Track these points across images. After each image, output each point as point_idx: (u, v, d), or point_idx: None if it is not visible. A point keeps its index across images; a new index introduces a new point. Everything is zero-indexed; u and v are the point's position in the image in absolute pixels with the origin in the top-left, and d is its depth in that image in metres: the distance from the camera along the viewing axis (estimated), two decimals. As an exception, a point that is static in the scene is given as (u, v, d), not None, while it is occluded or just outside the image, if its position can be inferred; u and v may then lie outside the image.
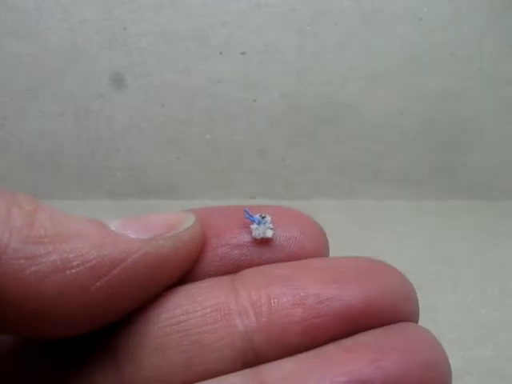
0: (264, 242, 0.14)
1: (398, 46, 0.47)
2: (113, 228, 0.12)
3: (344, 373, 0.11)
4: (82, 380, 0.13)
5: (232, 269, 0.14)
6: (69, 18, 0.45)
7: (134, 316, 0.13)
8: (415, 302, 0.13)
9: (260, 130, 0.48)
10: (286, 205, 0.15)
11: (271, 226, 0.14)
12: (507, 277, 0.38)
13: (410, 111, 0.49)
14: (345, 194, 0.50)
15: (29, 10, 0.45)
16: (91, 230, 0.12)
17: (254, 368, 0.12)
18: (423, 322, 0.13)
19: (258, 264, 0.14)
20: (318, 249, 0.14)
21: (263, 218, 0.14)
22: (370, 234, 0.44)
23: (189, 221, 0.13)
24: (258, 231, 0.14)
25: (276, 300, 0.13)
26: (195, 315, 0.13)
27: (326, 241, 0.15)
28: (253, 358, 0.12)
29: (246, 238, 0.14)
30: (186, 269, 0.14)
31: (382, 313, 0.12)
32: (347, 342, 0.12)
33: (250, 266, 0.14)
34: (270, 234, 0.14)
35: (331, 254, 0.15)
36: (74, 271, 0.11)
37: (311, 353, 0.12)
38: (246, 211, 0.14)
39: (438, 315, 0.33)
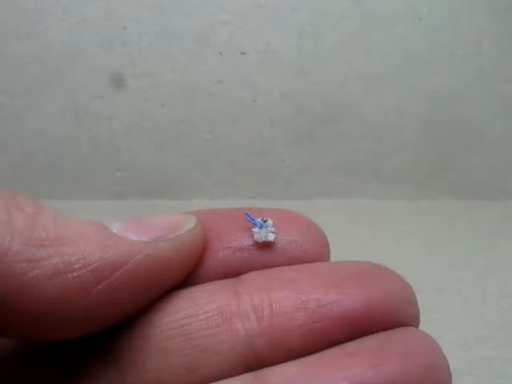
0: (265, 245, 0.14)
1: (398, 46, 0.47)
2: (114, 230, 0.12)
3: (346, 377, 0.11)
4: (84, 382, 0.13)
5: (233, 272, 0.14)
6: (69, 18, 0.45)
7: (136, 319, 0.13)
8: (416, 306, 0.13)
9: (260, 130, 0.48)
10: (286, 205, 0.15)
11: (273, 229, 0.14)
12: (507, 277, 0.38)
13: (410, 111, 0.49)
14: (345, 193, 0.50)
15: (29, 9, 0.45)
16: (93, 232, 0.12)
17: (255, 372, 0.12)
18: (423, 322, 0.13)
19: (260, 267, 0.14)
20: (320, 252, 0.14)
21: (265, 221, 0.14)
22: (370, 233, 0.44)
23: (190, 223, 0.13)
24: (260, 235, 0.14)
25: (278, 304, 0.13)
26: (197, 319, 0.13)
27: (327, 244, 0.15)
28: (254, 361, 0.12)
29: (248, 242, 0.14)
30: (187, 271, 0.14)
31: (383, 317, 0.12)
32: (349, 346, 0.12)
33: (251, 269, 0.14)
34: (271, 237, 0.14)
35: (332, 254, 0.15)
36: (75, 274, 0.11)
37: (313, 357, 0.12)
38: (247, 214, 0.14)
39: (438, 315, 0.33)
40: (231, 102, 0.48)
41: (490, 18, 0.47)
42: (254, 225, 0.14)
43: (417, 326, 0.13)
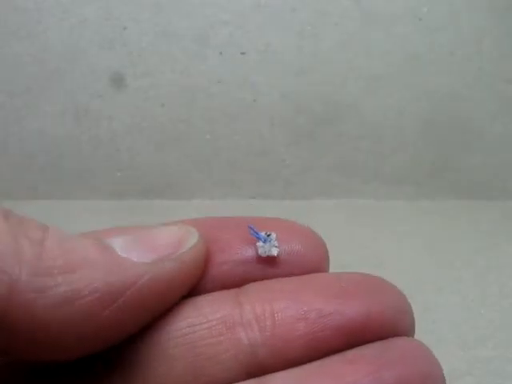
0: (269, 259, 0.14)
1: (398, 46, 0.47)
2: (117, 249, 0.12)
3: (345, 383, 0.12)
4: None
5: (237, 283, 0.14)
6: (69, 18, 0.45)
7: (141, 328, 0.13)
8: (412, 317, 0.14)
9: (260, 130, 0.48)
10: (285, 205, 0.15)
11: (276, 243, 0.14)
12: (507, 277, 0.38)
13: (410, 111, 0.49)
14: (345, 193, 0.50)
15: (29, 9, 0.45)
16: (97, 255, 0.12)
17: (258, 378, 0.13)
18: (423, 322, 0.13)
19: (262, 278, 0.14)
20: (320, 262, 0.15)
21: (268, 235, 0.14)
22: (370, 234, 0.44)
23: (192, 239, 0.14)
24: (264, 249, 0.14)
25: (279, 314, 0.13)
26: (201, 327, 0.13)
27: (327, 252, 0.15)
28: (257, 370, 0.13)
29: (251, 254, 0.14)
30: (189, 287, 0.14)
31: (382, 327, 0.13)
32: (349, 354, 0.13)
33: (253, 280, 0.14)
34: (275, 252, 0.14)
35: (332, 254, 0.15)
36: (83, 302, 0.11)
37: (314, 364, 0.13)
38: (251, 228, 0.14)
39: (438, 315, 0.33)
40: (231, 102, 0.48)
41: (489, 17, 0.47)
42: (258, 239, 0.14)
43: (412, 335, 0.14)
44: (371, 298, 0.13)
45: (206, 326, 0.13)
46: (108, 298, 0.12)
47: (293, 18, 0.46)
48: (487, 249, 0.42)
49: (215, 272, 0.14)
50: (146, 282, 0.12)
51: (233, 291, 0.14)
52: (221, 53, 0.46)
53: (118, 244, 0.13)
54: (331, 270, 0.15)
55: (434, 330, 0.31)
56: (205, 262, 0.14)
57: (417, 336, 0.14)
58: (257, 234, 0.14)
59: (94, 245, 0.12)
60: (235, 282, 0.14)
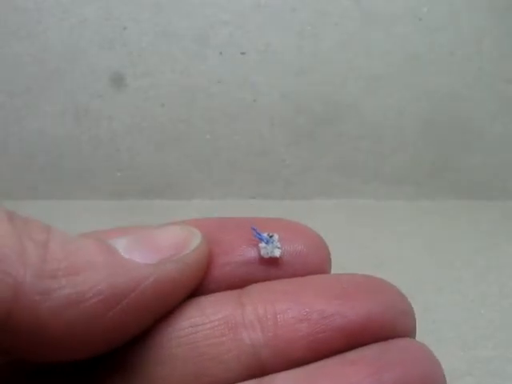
0: (271, 260, 0.14)
1: (398, 46, 0.47)
2: (120, 250, 0.12)
3: None
4: None
5: (239, 284, 0.14)
6: (69, 18, 0.45)
7: None
8: (413, 318, 0.14)
9: (260, 130, 0.48)
10: (286, 205, 0.15)
11: (279, 245, 0.14)
12: (507, 277, 0.38)
13: (410, 111, 0.49)
14: (345, 193, 0.50)
15: (29, 9, 0.45)
16: (101, 257, 0.12)
17: (260, 379, 0.13)
18: (423, 322, 0.13)
19: (265, 279, 0.14)
20: (322, 263, 0.15)
21: (271, 236, 0.14)
22: (370, 233, 0.44)
23: (195, 240, 0.14)
24: (266, 250, 0.14)
25: (282, 315, 0.13)
26: (204, 328, 0.13)
27: (329, 254, 0.15)
28: (259, 370, 0.13)
29: (253, 255, 0.14)
30: (192, 289, 0.14)
31: (383, 328, 0.13)
32: (350, 355, 0.13)
33: (256, 281, 0.14)
34: (277, 253, 0.14)
35: (332, 254, 0.15)
36: (87, 304, 0.11)
37: (316, 365, 0.13)
38: (254, 229, 0.14)
39: (437, 315, 0.33)
40: (231, 102, 0.48)
41: (489, 17, 0.47)
42: (261, 240, 0.14)
43: (414, 336, 0.14)
44: (372, 299, 0.13)
45: (209, 327, 0.13)
46: (112, 300, 0.12)
47: (293, 18, 0.46)
48: (487, 249, 0.42)
49: (218, 273, 0.14)
50: (150, 283, 0.12)
51: (235, 292, 0.14)
52: (221, 53, 0.46)
53: (121, 245, 0.13)
54: (331, 270, 0.15)
55: (434, 330, 0.31)
56: (208, 263, 0.14)
57: (417, 336, 0.14)
58: (259, 235, 0.14)
59: (98, 246, 0.12)
60: (238, 283, 0.14)
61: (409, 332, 0.13)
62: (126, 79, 0.47)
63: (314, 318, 0.13)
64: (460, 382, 0.28)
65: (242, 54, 0.46)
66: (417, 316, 0.14)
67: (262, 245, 0.14)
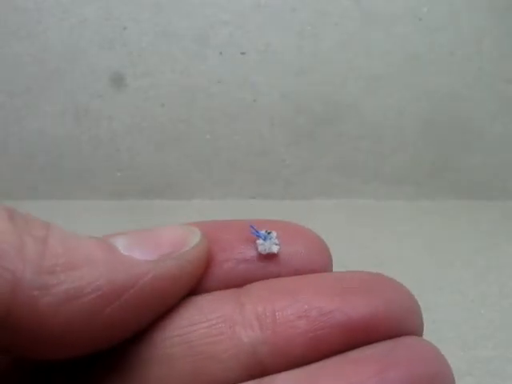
0: (269, 257, 0.14)
1: (398, 46, 0.47)
2: (120, 248, 0.12)
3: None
4: None
5: (238, 282, 0.14)
6: (69, 18, 0.45)
7: None
8: (419, 315, 0.13)
9: (260, 130, 0.48)
10: (286, 205, 0.15)
11: (277, 241, 0.14)
12: (507, 277, 0.38)
13: (410, 111, 0.49)
14: (345, 193, 0.50)
15: (29, 9, 0.45)
16: (100, 253, 0.12)
17: (259, 379, 0.12)
18: (425, 321, 0.13)
19: (263, 278, 0.14)
20: (323, 264, 0.14)
21: (269, 233, 0.14)
22: (370, 234, 0.44)
23: (195, 238, 0.14)
24: (264, 247, 0.14)
25: (280, 313, 0.13)
26: (201, 326, 0.13)
27: (330, 256, 0.15)
28: (258, 369, 0.13)
29: (252, 253, 0.14)
30: (191, 286, 0.14)
31: (387, 326, 0.13)
32: (353, 354, 0.12)
33: (255, 280, 0.14)
34: (275, 249, 0.14)
35: (332, 254, 0.15)
36: (85, 299, 0.11)
37: (317, 365, 0.12)
38: (252, 227, 0.14)
39: (438, 315, 0.33)
40: (231, 102, 0.48)
41: (490, 17, 0.47)
42: (258, 237, 0.14)
43: (420, 334, 0.13)
44: (375, 296, 0.13)
45: (206, 325, 0.13)
46: (111, 296, 0.12)
47: (293, 18, 0.46)
48: (487, 249, 0.42)
49: (217, 271, 0.14)
50: (149, 280, 0.12)
51: (234, 290, 0.14)
52: (221, 53, 0.46)
53: (121, 242, 0.13)
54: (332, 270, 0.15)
55: (434, 329, 0.31)
56: (207, 260, 0.14)
57: (417, 336, 0.14)
58: (257, 232, 0.14)
59: (97, 243, 0.12)
60: (237, 281, 0.14)
61: (415, 330, 0.13)
62: (126, 79, 0.47)
63: (312, 315, 0.13)
64: (460, 381, 0.28)
65: (242, 54, 0.46)
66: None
67: (260, 241, 0.14)
